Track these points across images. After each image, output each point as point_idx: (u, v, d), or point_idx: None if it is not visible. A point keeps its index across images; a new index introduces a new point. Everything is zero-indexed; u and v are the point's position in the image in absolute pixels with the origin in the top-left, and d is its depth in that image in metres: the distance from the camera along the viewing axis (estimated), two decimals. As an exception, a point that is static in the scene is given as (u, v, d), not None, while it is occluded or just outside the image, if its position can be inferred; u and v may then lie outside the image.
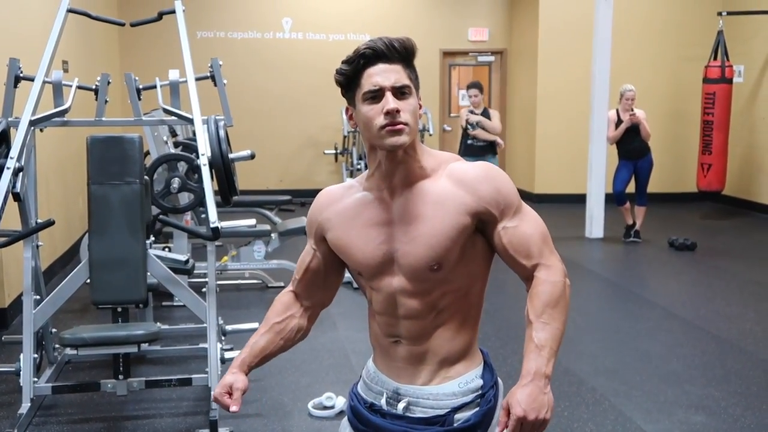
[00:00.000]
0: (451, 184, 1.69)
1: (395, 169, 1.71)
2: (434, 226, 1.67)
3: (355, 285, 5.17)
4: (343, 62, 1.68)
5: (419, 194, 1.70)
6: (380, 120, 1.64)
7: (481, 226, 1.70)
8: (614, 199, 8.16)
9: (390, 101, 1.63)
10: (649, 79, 10.55)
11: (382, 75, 1.64)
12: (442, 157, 1.77)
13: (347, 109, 1.74)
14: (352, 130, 9.33)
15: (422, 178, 1.71)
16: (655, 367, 4.60)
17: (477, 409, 1.74)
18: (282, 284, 6.40)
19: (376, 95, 1.64)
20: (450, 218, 1.66)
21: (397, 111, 1.63)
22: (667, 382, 4.35)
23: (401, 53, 1.66)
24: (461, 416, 1.73)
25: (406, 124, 1.64)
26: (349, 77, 1.68)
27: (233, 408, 1.74)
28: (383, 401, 1.79)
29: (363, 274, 1.77)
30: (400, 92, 1.65)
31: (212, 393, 1.82)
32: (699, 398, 4.13)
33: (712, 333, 5.21)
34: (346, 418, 1.91)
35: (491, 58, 11.76)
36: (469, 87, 8.08)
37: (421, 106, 1.71)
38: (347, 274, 1.92)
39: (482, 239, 1.73)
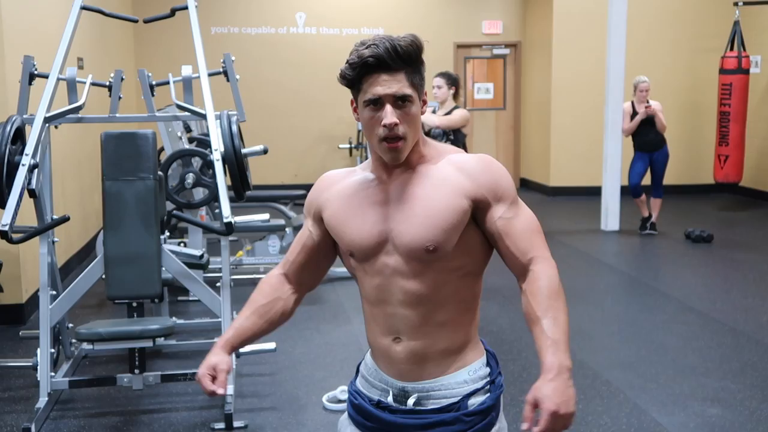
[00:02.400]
0: (451, 169, 1.72)
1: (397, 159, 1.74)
2: (430, 206, 1.68)
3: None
4: (347, 64, 1.68)
5: (417, 176, 1.72)
6: (379, 131, 1.66)
7: (478, 215, 1.70)
8: (630, 192, 8.11)
9: (388, 115, 1.65)
10: (665, 70, 10.48)
11: (383, 84, 1.65)
12: (443, 148, 1.80)
13: (352, 101, 1.75)
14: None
15: (420, 163, 1.74)
16: (671, 360, 4.58)
17: (489, 393, 1.77)
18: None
19: (377, 103, 1.66)
20: (447, 199, 1.68)
21: (396, 124, 1.65)
22: (683, 375, 4.33)
23: (405, 60, 1.65)
24: (475, 401, 1.75)
25: (403, 138, 1.66)
26: (352, 82, 1.69)
27: (219, 391, 1.71)
28: (390, 398, 1.77)
29: (355, 255, 1.76)
30: (400, 100, 1.66)
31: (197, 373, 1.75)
32: (715, 391, 4.11)
33: (728, 325, 5.19)
34: (345, 414, 1.90)
35: (506, 51, 11.73)
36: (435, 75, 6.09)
37: (425, 102, 1.73)
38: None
39: (479, 231, 1.72)
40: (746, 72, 9.32)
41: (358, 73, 1.66)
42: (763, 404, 3.93)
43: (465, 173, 1.71)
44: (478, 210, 1.70)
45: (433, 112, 6.00)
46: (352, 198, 1.77)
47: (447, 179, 1.70)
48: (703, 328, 5.19)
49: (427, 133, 5.70)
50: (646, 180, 8.10)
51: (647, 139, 7.97)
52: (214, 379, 1.73)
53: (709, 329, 5.15)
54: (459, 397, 1.73)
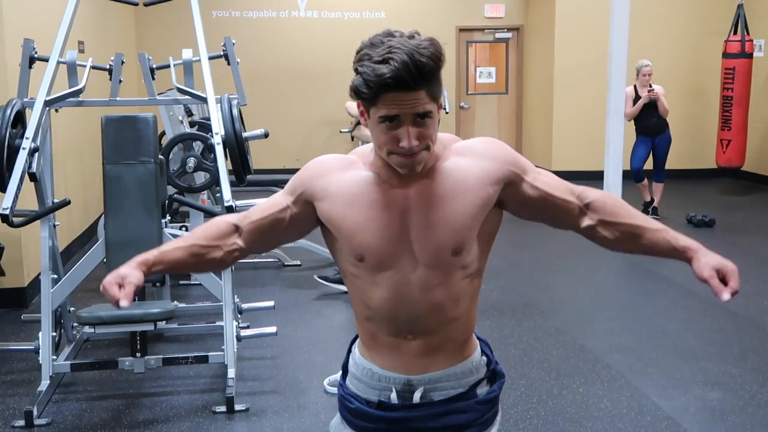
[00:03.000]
0: (466, 160, 1.65)
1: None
2: (455, 207, 1.61)
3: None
4: (361, 79, 1.52)
5: (435, 177, 1.63)
6: (395, 149, 1.56)
7: (509, 192, 1.66)
8: (632, 176, 8.09)
9: (407, 137, 1.53)
10: (668, 54, 10.43)
11: (401, 104, 1.51)
12: (444, 140, 1.70)
13: (359, 104, 1.60)
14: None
15: (433, 162, 1.64)
16: (671, 344, 4.59)
17: (496, 382, 1.77)
18: (298, 262, 6.42)
19: (393, 120, 1.53)
20: (472, 194, 1.62)
21: (416, 146, 1.54)
22: (684, 359, 4.34)
23: (427, 78, 1.51)
24: (482, 390, 1.74)
25: (422, 152, 1.56)
26: (367, 99, 1.55)
27: (123, 303, 1.55)
28: (393, 396, 1.71)
29: (366, 260, 1.64)
30: (420, 117, 1.54)
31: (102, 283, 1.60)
32: (716, 375, 4.12)
33: (729, 310, 5.18)
34: (337, 419, 1.84)
35: (508, 35, 11.67)
36: None
37: (441, 106, 1.60)
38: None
39: (495, 213, 1.68)
40: (750, 56, 9.28)
41: (375, 93, 1.51)
42: (763, 388, 3.93)
43: (483, 157, 1.65)
44: (509, 187, 1.65)
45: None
46: (359, 198, 1.65)
47: (467, 171, 1.63)
48: (704, 312, 5.20)
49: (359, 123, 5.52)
50: (649, 164, 8.08)
51: (649, 123, 7.95)
52: (120, 288, 1.58)
53: (710, 314, 5.15)
54: (467, 388, 1.72)
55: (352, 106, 5.65)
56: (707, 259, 1.61)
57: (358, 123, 5.57)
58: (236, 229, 1.74)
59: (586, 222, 1.71)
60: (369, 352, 1.75)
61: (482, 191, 1.62)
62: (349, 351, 1.85)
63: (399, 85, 1.49)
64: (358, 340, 1.81)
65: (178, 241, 1.73)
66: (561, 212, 1.71)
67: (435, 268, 1.63)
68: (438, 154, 1.64)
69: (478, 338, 1.79)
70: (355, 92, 1.55)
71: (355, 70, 1.55)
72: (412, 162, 1.57)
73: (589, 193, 1.71)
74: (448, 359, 1.70)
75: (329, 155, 1.76)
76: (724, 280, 1.58)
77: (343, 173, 1.69)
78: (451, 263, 1.63)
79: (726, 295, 1.55)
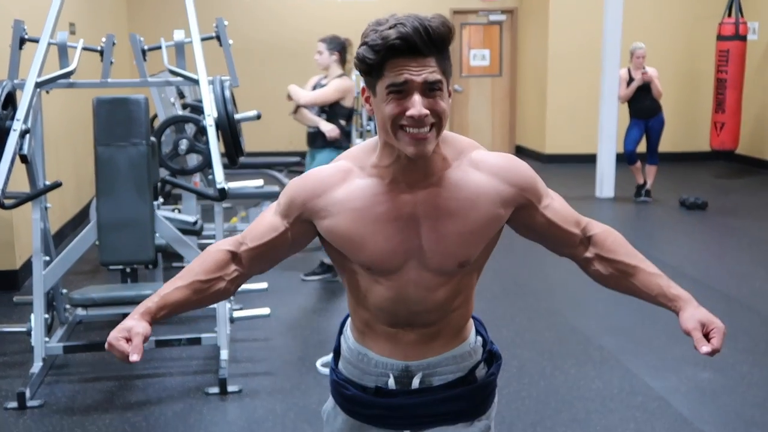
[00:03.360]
0: (480, 176, 1.57)
1: (415, 164, 1.54)
2: (466, 223, 1.56)
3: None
4: (366, 46, 1.46)
5: (446, 187, 1.55)
6: (403, 121, 1.46)
7: (520, 215, 1.63)
8: (625, 159, 8.11)
9: (417, 104, 1.44)
10: (662, 36, 10.41)
11: (411, 69, 1.44)
12: (461, 144, 1.62)
13: (364, 90, 1.54)
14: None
15: (444, 169, 1.57)
16: (663, 325, 4.60)
17: (493, 363, 1.77)
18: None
19: (402, 90, 1.45)
20: (484, 213, 1.57)
21: (426, 116, 1.45)
22: (675, 340, 4.36)
23: (436, 43, 1.45)
24: (481, 373, 1.73)
25: (432, 127, 1.47)
26: (372, 67, 1.47)
27: (134, 357, 1.47)
28: (391, 382, 1.68)
29: (373, 270, 1.60)
30: (429, 89, 1.46)
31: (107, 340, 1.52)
32: (706, 356, 4.13)
33: (721, 291, 5.21)
34: (329, 404, 1.81)
35: (502, 17, 11.63)
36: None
37: (450, 94, 1.52)
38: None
39: (501, 227, 1.66)
40: (744, 38, 9.26)
41: (382, 57, 1.44)
42: (753, 369, 3.96)
43: (499, 179, 1.58)
44: (520, 211, 1.62)
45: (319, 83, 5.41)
46: (363, 212, 1.56)
47: (481, 189, 1.56)
48: (696, 294, 5.11)
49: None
50: (642, 147, 8.09)
51: (643, 105, 7.95)
52: (128, 342, 1.50)
53: (702, 295, 5.10)
54: (465, 372, 1.70)
55: (295, 89, 5.42)
56: (695, 312, 1.60)
57: (298, 107, 5.31)
58: (233, 256, 1.66)
59: (584, 254, 1.71)
60: (364, 339, 1.71)
61: (493, 212, 1.58)
62: (341, 333, 1.82)
63: (408, 49, 1.43)
64: (350, 324, 1.77)
65: (176, 281, 1.63)
66: (562, 242, 1.70)
67: (439, 275, 1.60)
68: (450, 160, 1.58)
69: (473, 317, 1.78)
70: (360, 61, 1.47)
71: (361, 45, 1.49)
72: (423, 139, 1.47)
73: (593, 226, 1.71)
74: (447, 344, 1.69)
75: (319, 169, 1.64)
76: (708, 336, 1.56)
77: (341, 187, 1.58)
78: (456, 271, 1.61)
79: (705, 348, 1.52)
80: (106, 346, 1.51)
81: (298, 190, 1.62)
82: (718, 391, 3.72)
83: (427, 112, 1.45)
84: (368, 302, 1.65)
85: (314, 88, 5.41)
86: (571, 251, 1.71)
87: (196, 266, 1.64)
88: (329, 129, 5.18)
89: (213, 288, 1.63)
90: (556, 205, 1.67)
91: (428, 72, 1.45)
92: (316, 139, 5.26)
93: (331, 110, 5.21)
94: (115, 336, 1.50)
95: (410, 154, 1.49)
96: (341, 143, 5.23)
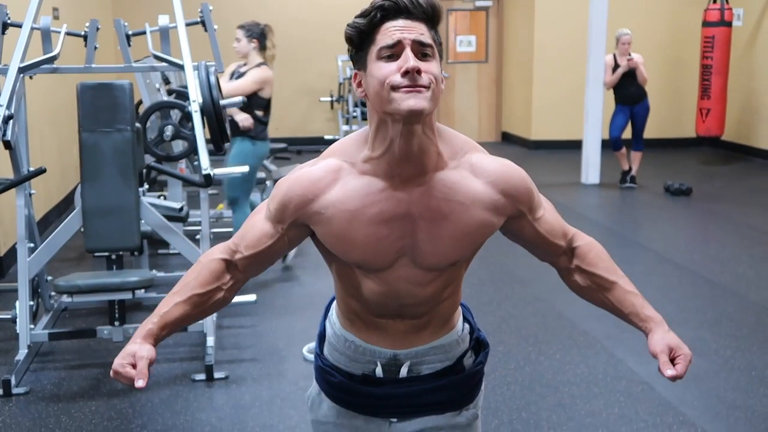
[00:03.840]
0: (477, 183, 1.54)
1: (410, 152, 1.48)
2: (460, 227, 1.53)
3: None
4: (356, 16, 1.47)
5: (441, 188, 1.52)
6: (396, 79, 1.42)
7: (510, 223, 1.61)
8: (610, 145, 8.13)
9: (410, 58, 1.41)
10: (647, 23, 10.43)
11: (402, 30, 1.43)
12: (458, 142, 1.58)
13: (355, 75, 1.52)
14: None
15: (440, 168, 1.53)
16: (647, 311, 4.63)
17: (481, 351, 1.76)
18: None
19: (394, 52, 1.43)
20: (477, 219, 1.54)
21: (418, 71, 1.41)
22: (659, 325, 4.39)
23: (426, 11, 1.45)
24: (469, 361, 1.73)
25: (427, 87, 1.42)
26: (363, 32, 1.46)
27: (139, 383, 1.45)
28: (378, 370, 1.66)
29: (363, 268, 1.58)
30: (421, 53, 1.44)
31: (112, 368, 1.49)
32: (690, 341, 4.15)
33: (705, 277, 5.24)
34: (313, 390, 1.79)
35: (488, 3, 11.61)
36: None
37: (442, 76, 1.49)
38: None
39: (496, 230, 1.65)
40: (729, 25, 9.30)
41: (371, 20, 1.44)
42: (737, 353, 3.99)
43: (495, 188, 1.55)
44: (512, 220, 1.61)
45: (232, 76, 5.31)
46: (357, 214, 1.52)
47: (477, 195, 1.54)
48: (680, 279, 5.25)
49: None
50: (627, 133, 8.11)
51: (628, 92, 7.97)
52: (133, 367, 1.48)
53: (686, 280, 5.21)
54: (453, 361, 1.69)
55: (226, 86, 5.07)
56: (666, 336, 1.59)
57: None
58: (228, 264, 1.62)
59: (565, 264, 1.71)
60: (351, 326, 1.69)
61: (486, 219, 1.56)
62: (325, 317, 1.81)
63: (397, 11, 1.44)
64: (336, 310, 1.75)
65: (174, 297, 1.59)
66: (547, 251, 1.70)
67: (431, 271, 1.58)
68: (446, 158, 1.54)
69: (461, 304, 1.77)
70: (353, 28, 1.47)
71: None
72: (418, 91, 1.42)
73: (579, 238, 1.71)
74: (435, 333, 1.67)
75: (309, 171, 1.57)
76: (674, 360, 1.56)
77: (333, 189, 1.53)
78: (446, 268, 1.60)
79: (670, 372, 1.52)
80: (111, 374, 1.49)
81: (290, 195, 1.56)
82: (701, 375, 3.76)
83: (421, 66, 1.42)
84: (358, 294, 1.63)
85: (232, 76, 5.33)
86: (554, 260, 1.71)
87: (192, 279, 1.61)
88: (242, 119, 5.16)
89: (212, 299, 1.61)
90: (547, 217, 1.66)
91: (419, 33, 1.44)
92: (231, 127, 5.04)
93: (249, 100, 5.02)
94: (119, 363, 1.48)
95: (406, 112, 1.41)
96: (255, 133, 5.24)
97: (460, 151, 1.56)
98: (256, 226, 1.61)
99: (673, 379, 1.53)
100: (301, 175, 1.56)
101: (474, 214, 1.54)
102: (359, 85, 1.51)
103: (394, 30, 1.43)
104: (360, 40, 1.47)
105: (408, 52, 1.42)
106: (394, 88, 1.42)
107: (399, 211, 1.51)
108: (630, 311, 1.64)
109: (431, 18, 1.47)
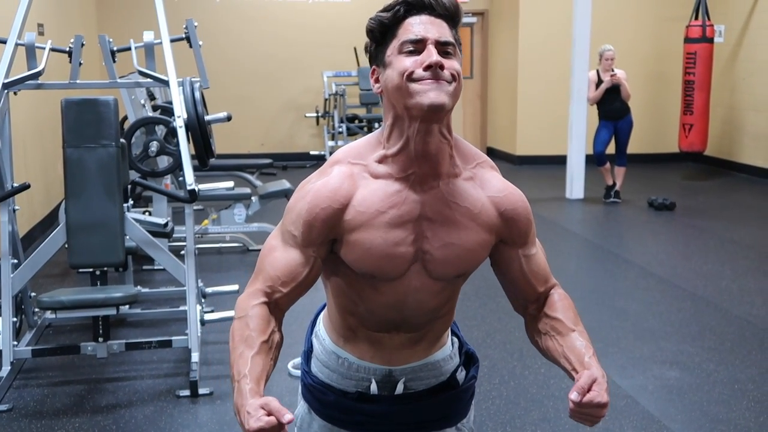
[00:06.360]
0: (485, 200, 1.55)
1: (427, 151, 1.47)
2: (467, 238, 1.53)
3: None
4: (380, 11, 1.48)
5: (452, 195, 1.52)
6: (418, 72, 1.42)
7: (496, 247, 1.60)
8: (594, 160, 8.19)
9: (433, 54, 1.42)
10: (630, 39, 10.53)
11: (425, 26, 1.44)
12: (470, 153, 1.58)
13: (373, 71, 1.51)
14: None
15: (453, 175, 1.52)
16: (631, 325, 4.66)
17: (473, 366, 1.76)
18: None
19: (416, 48, 1.44)
20: (480, 234, 1.54)
21: (441, 67, 1.42)
22: (643, 339, 4.41)
23: (449, 9, 1.46)
24: (461, 375, 1.73)
25: (449, 81, 1.43)
26: (386, 26, 1.47)
27: (287, 417, 1.31)
28: (373, 387, 1.64)
29: (377, 277, 1.53)
30: (443, 51, 1.44)
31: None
32: (674, 354, 4.20)
33: (688, 291, 5.28)
34: (301, 410, 1.74)
35: (473, 20, 11.68)
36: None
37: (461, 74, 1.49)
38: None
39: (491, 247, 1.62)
40: (710, 41, 9.40)
41: (395, 14, 1.45)
42: (720, 367, 4.02)
43: (497, 207, 1.55)
44: (500, 246, 1.59)
45: None
46: (373, 219, 1.49)
47: (481, 212, 1.54)
48: (663, 293, 5.28)
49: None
50: (611, 149, 8.17)
51: (612, 107, 8.03)
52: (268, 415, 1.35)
53: (669, 294, 5.24)
54: (447, 377, 1.69)
55: None
56: (594, 374, 1.45)
57: None
58: (270, 306, 1.55)
59: (532, 310, 1.67)
60: (345, 343, 1.66)
61: (487, 236, 1.55)
62: (311, 333, 1.78)
63: (421, 6, 1.45)
64: (325, 325, 1.73)
65: (245, 352, 1.46)
66: (525, 293, 1.65)
67: (439, 281, 1.57)
68: (459, 166, 1.54)
69: None
70: (374, 23, 1.48)
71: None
72: (440, 84, 1.42)
73: (557, 289, 1.67)
74: (428, 348, 1.67)
75: (325, 182, 1.52)
76: (589, 389, 1.43)
77: (356, 194, 1.50)
78: (453, 280, 1.60)
79: (574, 395, 1.40)
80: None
81: (315, 212, 1.50)
82: (685, 389, 3.78)
83: (444, 62, 1.42)
84: (358, 308, 1.59)
85: None
86: (526, 305, 1.67)
87: (251, 331, 1.50)
88: None
89: (274, 342, 1.52)
90: (536, 259, 1.63)
91: (442, 30, 1.45)
92: None
93: None
94: (254, 420, 1.32)
95: (426, 106, 1.41)
96: None
97: (473, 161, 1.57)
98: (282, 258, 1.54)
99: (575, 402, 1.41)
100: (319, 189, 1.51)
101: (478, 226, 1.54)
102: (376, 81, 1.51)
103: (418, 25, 1.45)
104: (382, 33, 1.48)
105: (431, 48, 1.43)
106: (415, 79, 1.42)
107: (414, 214, 1.50)
108: (576, 358, 1.53)
109: (453, 16, 1.48)
